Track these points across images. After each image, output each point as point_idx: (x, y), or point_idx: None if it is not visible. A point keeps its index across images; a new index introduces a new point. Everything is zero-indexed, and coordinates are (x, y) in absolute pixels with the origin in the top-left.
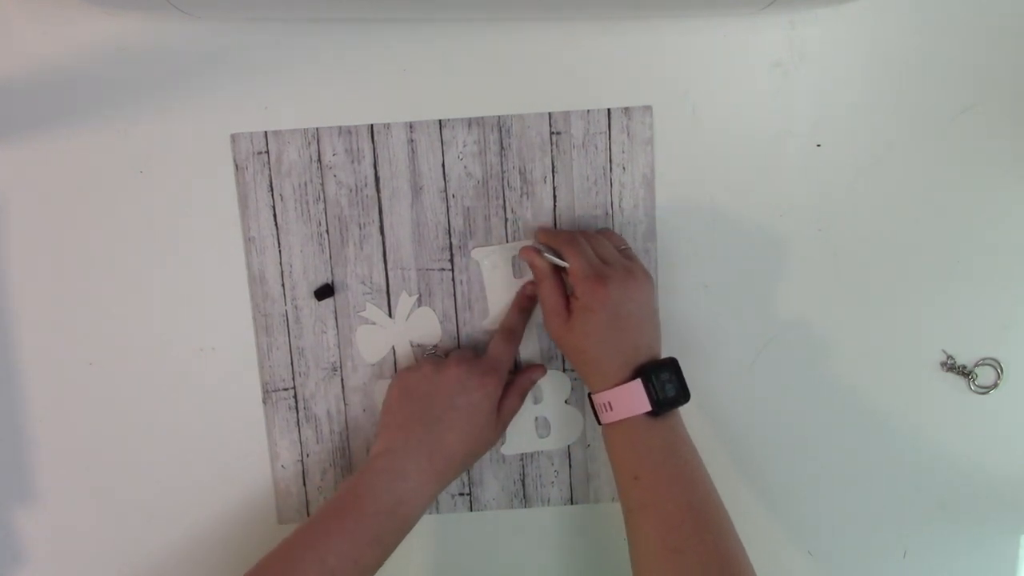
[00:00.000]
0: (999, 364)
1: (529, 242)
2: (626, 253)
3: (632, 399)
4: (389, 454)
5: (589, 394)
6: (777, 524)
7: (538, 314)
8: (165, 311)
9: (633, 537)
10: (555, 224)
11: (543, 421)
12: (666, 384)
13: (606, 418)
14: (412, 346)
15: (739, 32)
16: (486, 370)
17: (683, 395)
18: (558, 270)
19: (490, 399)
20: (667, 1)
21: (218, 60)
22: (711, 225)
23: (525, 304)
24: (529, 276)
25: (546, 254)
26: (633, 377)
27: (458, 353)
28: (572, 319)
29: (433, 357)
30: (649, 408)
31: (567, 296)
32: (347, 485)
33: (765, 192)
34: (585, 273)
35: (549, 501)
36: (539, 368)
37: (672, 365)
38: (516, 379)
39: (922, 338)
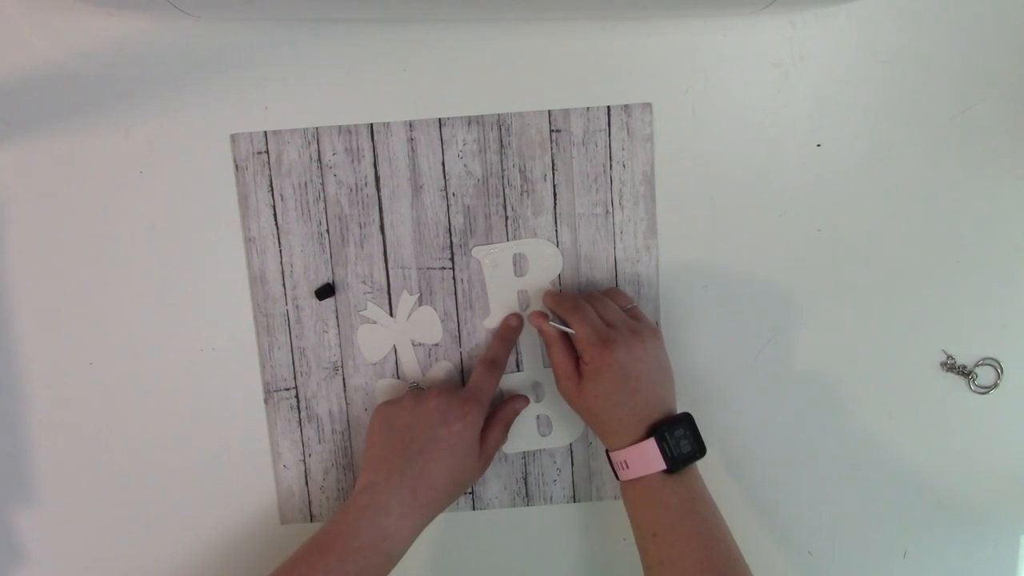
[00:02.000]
0: (999, 364)
1: (530, 239)
2: (632, 312)
3: (647, 458)
4: (372, 489)
5: (607, 451)
6: (777, 524)
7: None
8: (165, 311)
9: None
10: (555, 220)
11: (545, 419)
12: (680, 441)
13: (624, 475)
14: (413, 345)
15: (739, 32)
16: (466, 399)
17: (699, 450)
18: (567, 333)
19: (471, 429)
20: (667, 1)
21: (218, 60)
22: (711, 225)
23: (508, 335)
24: (530, 274)
25: (552, 321)
26: (647, 436)
27: (439, 385)
28: (583, 382)
29: (414, 390)
30: (664, 466)
31: (577, 358)
32: (331, 521)
33: (765, 192)
34: (591, 340)
35: (552, 499)
36: (522, 398)
37: (687, 421)
38: (499, 410)
39: (922, 338)
